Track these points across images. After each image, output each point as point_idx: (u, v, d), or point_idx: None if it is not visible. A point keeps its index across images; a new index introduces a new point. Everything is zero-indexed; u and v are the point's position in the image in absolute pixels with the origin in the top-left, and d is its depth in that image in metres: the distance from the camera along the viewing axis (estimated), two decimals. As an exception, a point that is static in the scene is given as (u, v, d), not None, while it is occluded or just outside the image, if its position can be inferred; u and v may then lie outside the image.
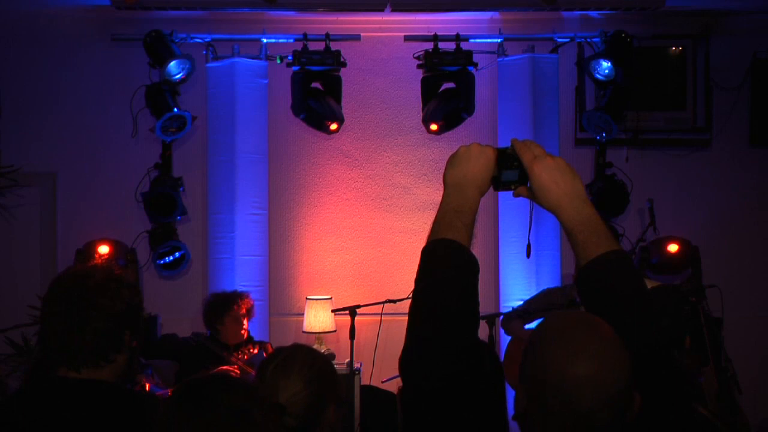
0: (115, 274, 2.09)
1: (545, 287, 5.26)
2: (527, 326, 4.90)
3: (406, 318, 1.65)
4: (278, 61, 5.70)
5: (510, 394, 4.83)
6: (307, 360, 2.23)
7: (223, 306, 4.99)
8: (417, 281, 1.65)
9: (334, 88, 5.64)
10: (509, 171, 1.75)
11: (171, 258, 5.59)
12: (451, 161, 1.77)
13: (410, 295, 1.67)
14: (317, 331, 5.52)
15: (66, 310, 2.02)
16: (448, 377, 1.56)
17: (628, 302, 1.61)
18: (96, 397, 2.01)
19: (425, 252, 1.67)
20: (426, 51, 5.60)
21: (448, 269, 1.64)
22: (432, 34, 5.61)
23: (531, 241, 1.95)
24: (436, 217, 1.71)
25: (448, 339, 1.58)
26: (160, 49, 5.44)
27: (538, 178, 1.71)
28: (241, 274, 5.60)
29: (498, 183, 1.77)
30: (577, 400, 1.43)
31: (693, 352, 4.11)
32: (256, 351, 4.93)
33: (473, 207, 1.72)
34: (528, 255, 1.90)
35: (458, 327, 1.60)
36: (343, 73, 5.66)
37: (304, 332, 5.57)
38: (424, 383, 1.58)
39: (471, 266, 1.66)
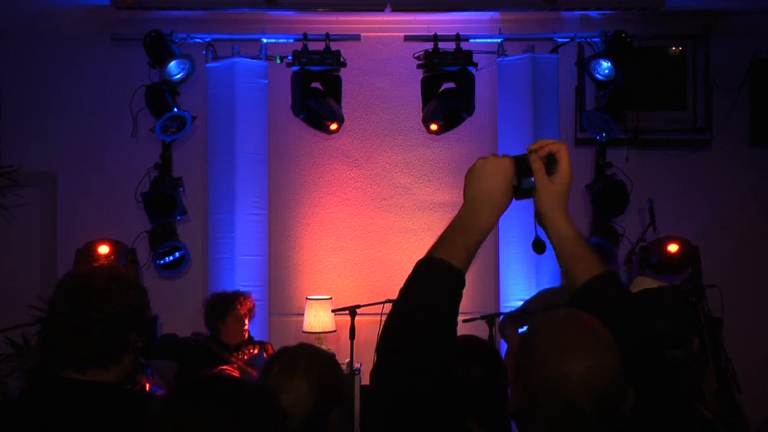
0: (121, 275, 2.09)
1: (545, 287, 5.26)
2: (523, 329, 4.90)
3: None
4: (278, 61, 5.70)
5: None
6: (311, 362, 2.18)
7: (226, 305, 4.99)
8: (401, 292, 1.63)
9: (334, 88, 5.64)
10: (529, 178, 1.71)
11: (171, 258, 5.59)
12: (468, 177, 1.71)
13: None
14: (317, 331, 5.52)
15: (72, 311, 2.02)
16: (411, 397, 1.54)
17: (622, 312, 1.62)
18: (100, 398, 2.01)
19: (418, 266, 1.64)
20: (426, 51, 5.61)
21: (432, 293, 1.61)
22: (432, 34, 5.61)
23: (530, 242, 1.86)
24: (443, 230, 1.68)
25: (416, 360, 1.55)
26: (160, 49, 5.44)
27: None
28: (241, 274, 5.60)
29: (519, 191, 1.72)
30: (570, 395, 1.44)
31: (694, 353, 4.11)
32: (256, 351, 4.93)
33: (483, 228, 1.66)
34: (542, 250, 1.75)
35: (428, 349, 1.56)
36: (343, 73, 5.66)
37: (304, 332, 5.57)
38: (389, 401, 1.57)
39: (454, 293, 1.62)
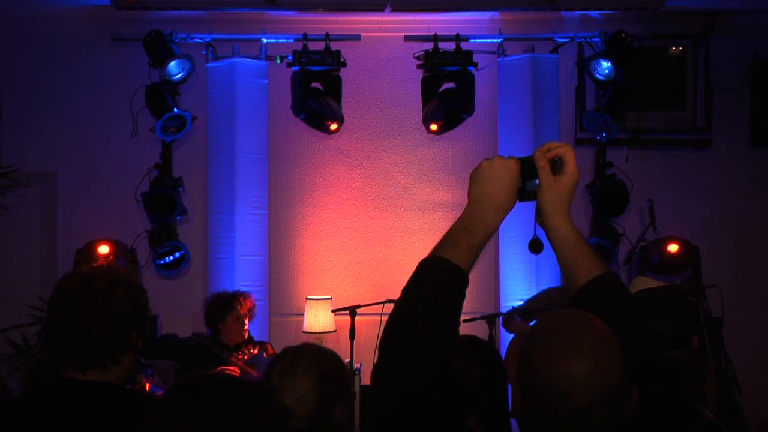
0: (120, 275, 2.10)
1: (545, 287, 5.25)
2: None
3: None
4: (278, 61, 5.71)
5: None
6: (313, 361, 2.19)
7: (226, 305, 4.99)
8: (404, 291, 1.63)
9: (334, 88, 5.65)
10: (533, 180, 1.70)
11: (171, 258, 5.60)
12: (473, 177, 1.71)
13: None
14: (317, 331, 5.52)
15: (72, 311, 2.02)
16: (412, 397, 1.54)
17: (623, 313, 1.62)
18: (101, 398, 2.02)
19: (421, 265, 1.64)
20: (426, 51, 5.61)
21: (435, 292, 1.61)
22: (432, 34, 5.61)
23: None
24: (447, 230, 1.67)
25: (417, 363, 1.55)
26: (160, 49, 5.45)
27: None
28: (241, 274, 5.60)
29: (523, 193, 1.72)
30: (572, 397, 1.44)
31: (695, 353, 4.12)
32: (256, 351, 4.93)
33: (487, 229, 1.66)
34: (538, 250, 1.74)
35: (430, 348, 1.56)
36: (343, 73, 5.66)
37: (304, 332, 5.57)
38: (390, 400, 1.56)
39: (458, 293, 1.62)
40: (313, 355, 2.22)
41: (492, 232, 1.67)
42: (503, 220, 1.69)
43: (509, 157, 1.71)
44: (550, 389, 1.45)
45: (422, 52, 5.63)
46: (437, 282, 1.61)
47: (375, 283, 5.93)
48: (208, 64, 5.75)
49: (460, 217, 1.69)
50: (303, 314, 5.63)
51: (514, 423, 2.39)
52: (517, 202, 1.72)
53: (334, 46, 5.58)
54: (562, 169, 1.70)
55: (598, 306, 1.58)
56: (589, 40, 5.74)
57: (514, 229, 5.50)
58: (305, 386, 2.13)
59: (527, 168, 1.71)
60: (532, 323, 4.77)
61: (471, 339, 2.66)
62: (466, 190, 1.72)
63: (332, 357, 2.27)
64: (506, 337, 5.22)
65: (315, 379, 2.15)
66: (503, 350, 5.21)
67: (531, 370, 1.49)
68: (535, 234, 1.73)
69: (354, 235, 6.06)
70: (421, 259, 1.65)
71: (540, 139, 5.65)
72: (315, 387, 2.13)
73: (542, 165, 1.70)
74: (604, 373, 1.44)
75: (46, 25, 5.86)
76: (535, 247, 1.74)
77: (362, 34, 5.82)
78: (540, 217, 1.71)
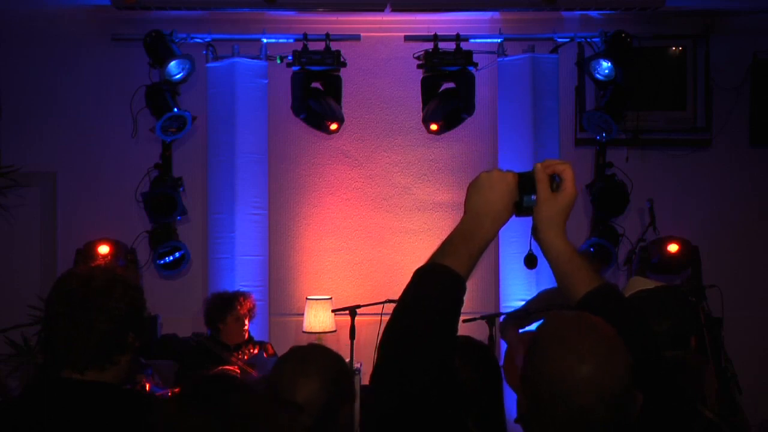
0: (118, 274, 2.10)
1: (545, 287, 5.25)
2: (526, 329, 4.90)
3: None
4: (278, 61, 5.71)
5: (509, 396, 4.83)
6: (326, 362, 2.24)
7: (226, 305, 4.99)
8: (402, 297, 1.63)
9: (334, 88, 5.65)
10: (531, 195, 1.70)
11: (171, 258, 5.60)
12: (471, 188, 1.72)
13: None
14: (317, 331, 5.52)
15: (70, 311, 2.02)
16: (411, 398, 1.54)
17: (622, 316, 1.63)
18: (99, 398, 2.02)
19: (420, 271, 1.64)
20: (426, 51, 5.61)
21: (435, 293, 1.61)
22: (432, 34, 5.61)
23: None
24: (445, 239, 1.68)
25: (416, 363, 1.55)
26: (160, 49, 5.45)
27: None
28: (241, 274, 5.60)
29: (520, 208, 1.71)
30: (574, 397, 1.44)
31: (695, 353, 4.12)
32: (256, 351, 4.93)
33: (485, 237, 1.67)
34: (533, 265, 1.76)
35: (430, 349, 1.57)
36: (343, 73, 5.66)
37: (304, 332, 5.57)
38: (389, 401, 1.57)
39: (456, 297, 1.62)
40: (326, 357, 2.27)
41: (489, 242, 1.68)
42: (498, 231, 1.70)
43: (507, 171, 1.72)
44: (551, 389, 1.46)
45: (422, 52, 5.63)
46: (437, 283, 1.62)
47: (375, 283, 5.92)
48: (208, 64, 5.75)
49: (457, 226, 1.69)
50: (303, 314, 5.63)
51: (516, 427, 2.39)
52: (514, 216, 1.73)
53: (334, 46, 5.58)
54: (561, 186, 1.70)
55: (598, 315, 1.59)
56: (589, 40, 5.74)
57: (515, 230, 5.45)
58: (316, 385, 2.16)
59: (525, 182, 1.71)
60: (521, 330, 4.79)
61: (468, 340, 2.67)
62: (466, 190, 1.72)
63: (341, 360, 2.32)
64: (506, 337, 5.22)
65: (327, 379, 2.18)
66: (503, 351, 5.21)
67: (533, 370, 1.50)
68: (530, 249, 1.74)
69: (354, 235, 6.06)
70: (420, 265, 1.65)
71: (540, 139, 5.66)
72: (326, 386, 2.16)
73: (541, 179, 1.70)
74: (606, 373, 1.45)
75: (46, 25, 5.86)
76: (529, 262, 1.76)
77: (362, 34, 5.82)
78: (536, 233, 1.72)
